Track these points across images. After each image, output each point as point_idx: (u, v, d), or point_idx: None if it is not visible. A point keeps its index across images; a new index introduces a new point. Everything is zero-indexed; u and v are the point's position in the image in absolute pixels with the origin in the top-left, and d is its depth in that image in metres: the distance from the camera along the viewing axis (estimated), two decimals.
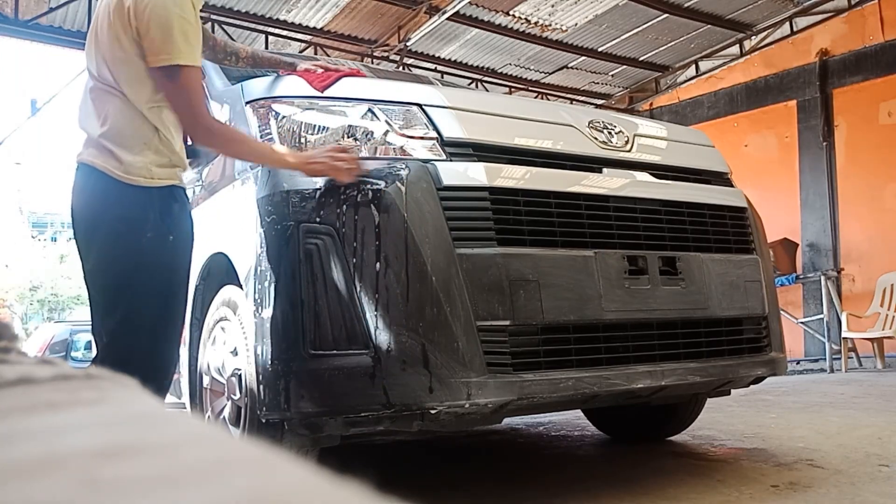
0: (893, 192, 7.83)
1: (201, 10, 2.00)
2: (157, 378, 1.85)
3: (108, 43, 1.90)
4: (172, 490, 0.24)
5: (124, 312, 1.87)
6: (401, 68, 7.81)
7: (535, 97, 9.48)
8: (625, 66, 9.42)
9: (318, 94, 2.14)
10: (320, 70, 2.21)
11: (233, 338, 2.15)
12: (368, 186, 1.86)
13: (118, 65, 1.89)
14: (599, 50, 8.86)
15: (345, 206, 1.86)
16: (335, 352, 1.82)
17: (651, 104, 10.29)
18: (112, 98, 1.90)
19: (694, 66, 9.61)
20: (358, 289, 1.81)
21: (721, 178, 2.56)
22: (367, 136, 2.01)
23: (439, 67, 8.63)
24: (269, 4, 7.17)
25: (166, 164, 1.93)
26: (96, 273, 1.91)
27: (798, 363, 7.94)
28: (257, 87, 2.24)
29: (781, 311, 2.68)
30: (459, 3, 7.09)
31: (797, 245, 8.28)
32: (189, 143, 2.19)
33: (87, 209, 1.90)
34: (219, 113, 2.50)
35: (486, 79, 9.18)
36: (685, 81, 9.80)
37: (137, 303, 1.86)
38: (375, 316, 1.79)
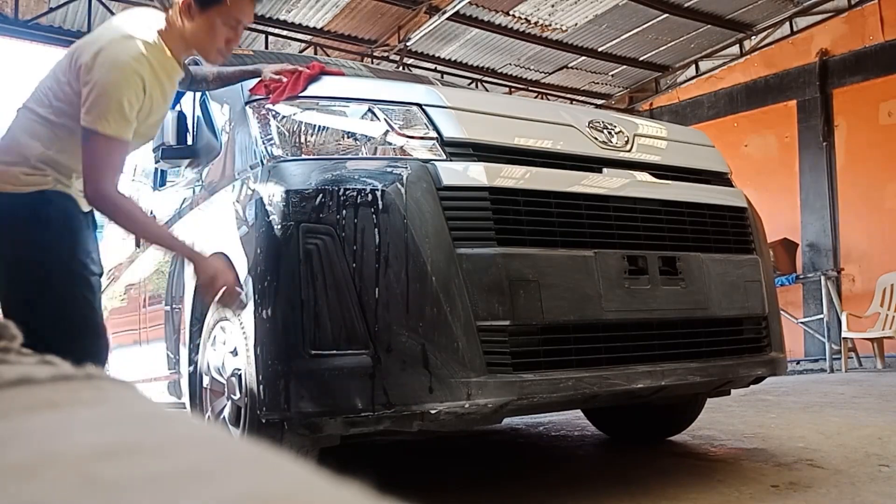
0: (893, 192, 7.82)
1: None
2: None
3: (49, 74, 1.98)
4: (172, 490, 0.24)
5: (22, 317, 1.93)
6: (401, 68, 7.81)
7: (535, 97, 9.48)
8: (625, 66, 9.42)
9: (319, 94, 2.14)
10: (285, 78, 2.20)
11: (233, 338, 2.15)
12: (368, 186, 1.86)
13: (44, 90, 1.97)
14: (599, 50, 8.86)
15: (345, 206, 1.86)
16: (335, 352, 1.82)
17: (651, 104, 10.29)
18: (20, 113, 1.99)
19: (694, 66, 9.61)
20: (358, 289, 1.81)
21: (721, 178, 2.56)
22: (366, 136, 2.01)
23: (439, 67, 8.62)
24: (269, 4, 7.16)
25: (38, 173, 1.95)
26: None
27: (798, 363, 7.94)
28: None
29: (781, 311, 2.68)
30: (459, 3, 7.09)
31: (797, 245, 8.28)
32: (191, 142, 2.22)
33: None
34: (219, 113, 2.50)
35: (486, 79, 9.17)
36: (685, 81, 9.80)
37: (23, 308, 1.91)
38: (375, 316, 1.78)
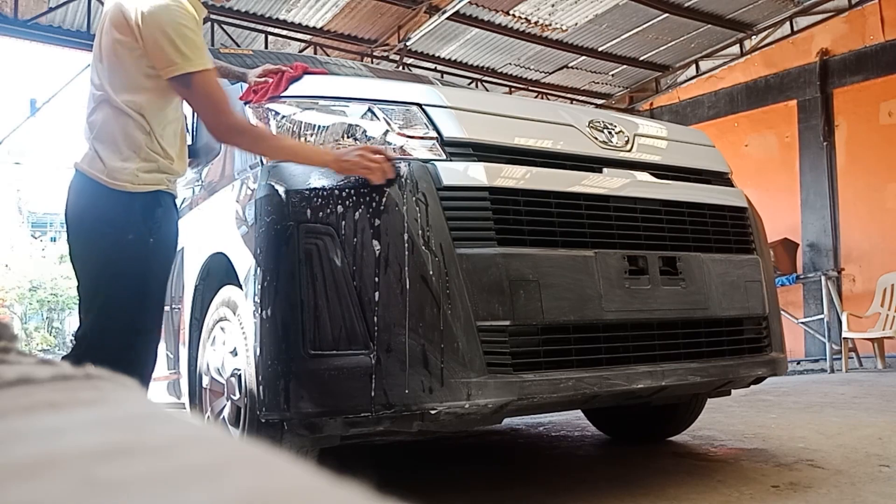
0: (893, 192, 7.82)
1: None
2: (128, 372, 1.90)
3: (106, 52, 1.97)
4: (172, 490, 0.23)
5: (100, 309, 1.96)
6: (401, 68, 7.81)
7: (535, 97, 9.48)
8: (625, 66, 9.41)
9: (319, 94, 2.14)
10: (270, 79, 2.23)
11: (233, 338, 2.15)
12: (368, 186, 1.86)
13: (114, 73, 1.96)
14: (599, 50, 8.86)
15: (345, 206, 1.86)
16: (335, 352, 1.82)
17: (651, 104, 10.28)
18: (105, 105, 1.97)
19: (694, 65, 9.60)
20: (357, 289, 1.81)
21: (721, 178, 2.56)
22: (366, 135, 2.01)
23: (439, 67, 8.62)
24: (269, 4, 7.17)
25: (153, 170, 2.00)
26: (79, 273, 2.01)
27: (798, 363, 7.94)
28: None
29: (782, 311, 2.68)
30: (459, 2, 7.09)
31: (797, 245, 8.28)
32: (191, 142, 2.23)
33: (75, 213, 2.00)
34: None
35: (486, 79, 9.17)
36: (685, 81, 9.80)
37: (112, 301, 1.94)
38: (375, 316, 1.78)
